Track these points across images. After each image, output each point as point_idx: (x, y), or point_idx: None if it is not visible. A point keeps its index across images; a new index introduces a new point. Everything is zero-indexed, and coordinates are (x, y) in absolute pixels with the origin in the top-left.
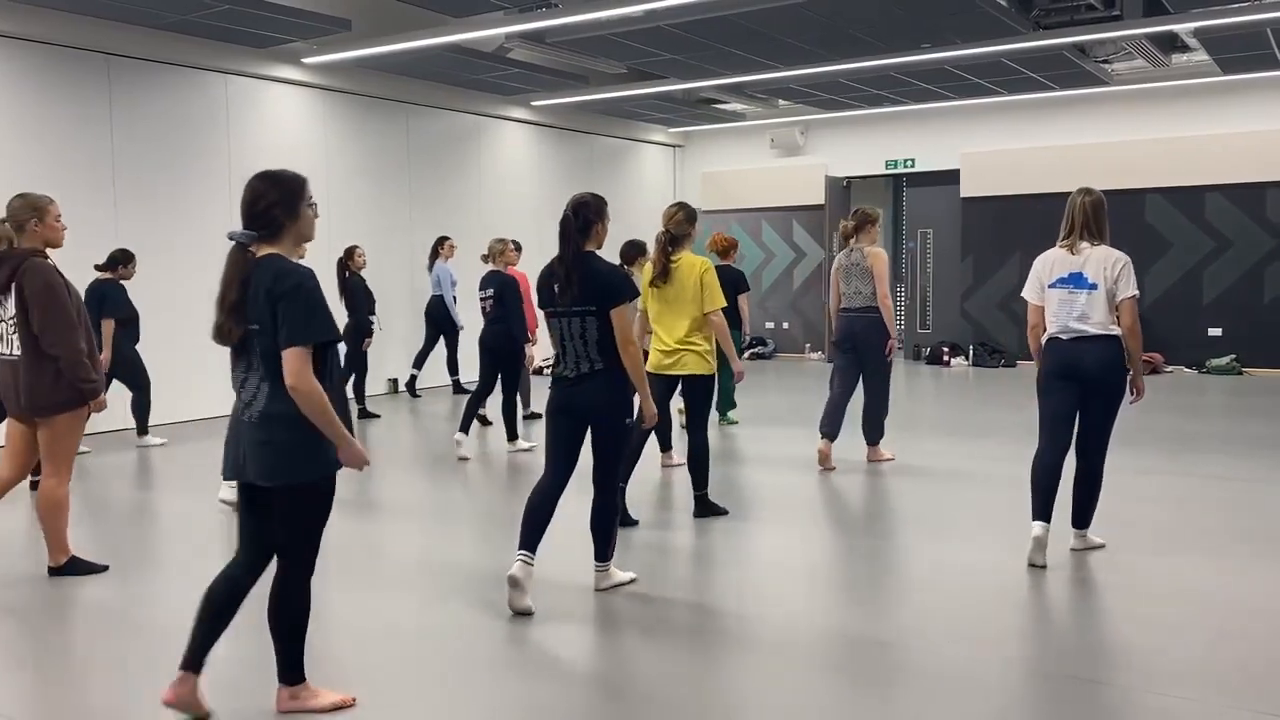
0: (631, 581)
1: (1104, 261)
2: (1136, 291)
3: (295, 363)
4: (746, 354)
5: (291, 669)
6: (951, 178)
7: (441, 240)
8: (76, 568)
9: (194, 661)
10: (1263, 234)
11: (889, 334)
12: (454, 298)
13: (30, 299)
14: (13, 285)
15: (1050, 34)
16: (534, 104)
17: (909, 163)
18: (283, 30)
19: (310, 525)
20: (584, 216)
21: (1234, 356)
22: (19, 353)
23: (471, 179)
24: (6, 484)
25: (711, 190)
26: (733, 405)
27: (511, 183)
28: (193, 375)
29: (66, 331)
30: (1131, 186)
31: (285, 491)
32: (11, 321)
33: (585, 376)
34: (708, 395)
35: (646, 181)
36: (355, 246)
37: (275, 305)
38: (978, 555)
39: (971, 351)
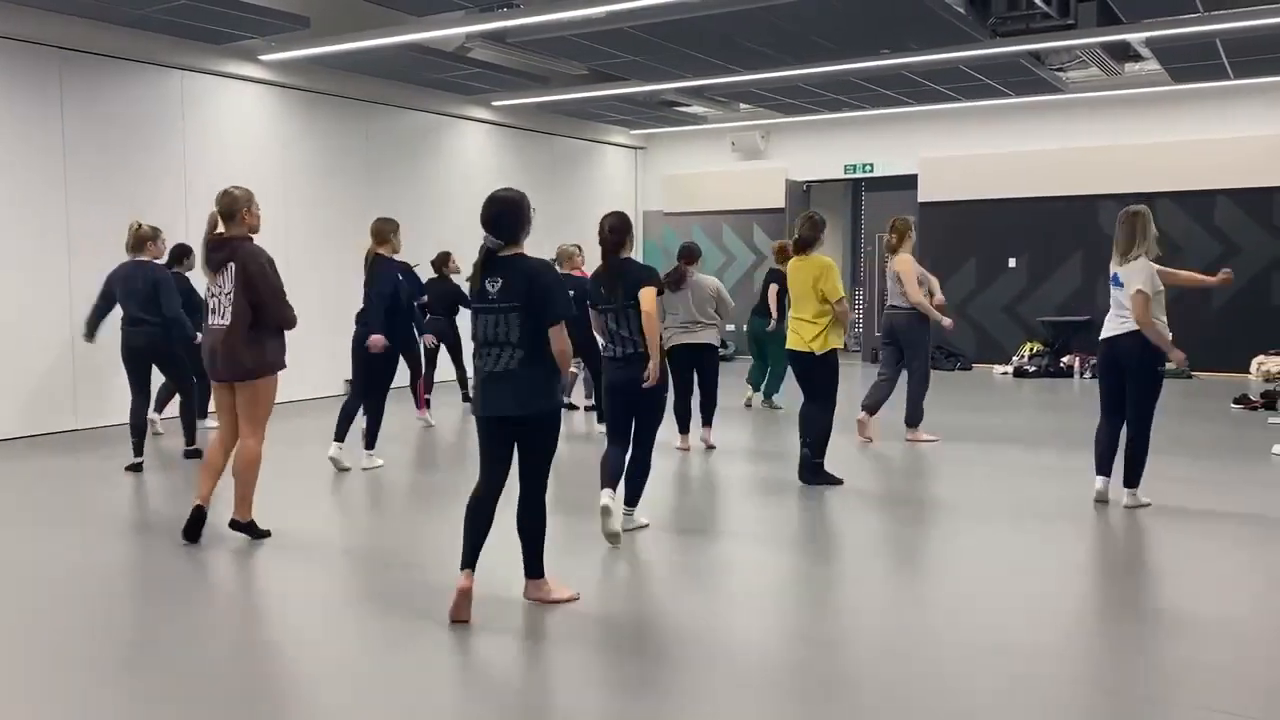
0: (644, 526)
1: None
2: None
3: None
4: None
5: (534, 566)
6: (909, 182)
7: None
8: (252, 530)
9: (469, 562)
10: (1211, 241)
11: (927, 329)
12: None
13: (254, 278)
14: (229, 265)
15: (1006, 42)
16: (495, 104)
17: (868, 167)
18: (240, 27)
19: (551, 449)
20: (620, 229)
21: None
22: (227, 321)
23: (431, 179)
24: (227, 443)
25: (673, 193)
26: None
27: (472, 183)
28: None
29: (284, 306)
30: (1085, 192)
31: (535, 419)
32: (227, 295)
33: (631, 358)
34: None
35: (608, 183)
36: (449, 253)
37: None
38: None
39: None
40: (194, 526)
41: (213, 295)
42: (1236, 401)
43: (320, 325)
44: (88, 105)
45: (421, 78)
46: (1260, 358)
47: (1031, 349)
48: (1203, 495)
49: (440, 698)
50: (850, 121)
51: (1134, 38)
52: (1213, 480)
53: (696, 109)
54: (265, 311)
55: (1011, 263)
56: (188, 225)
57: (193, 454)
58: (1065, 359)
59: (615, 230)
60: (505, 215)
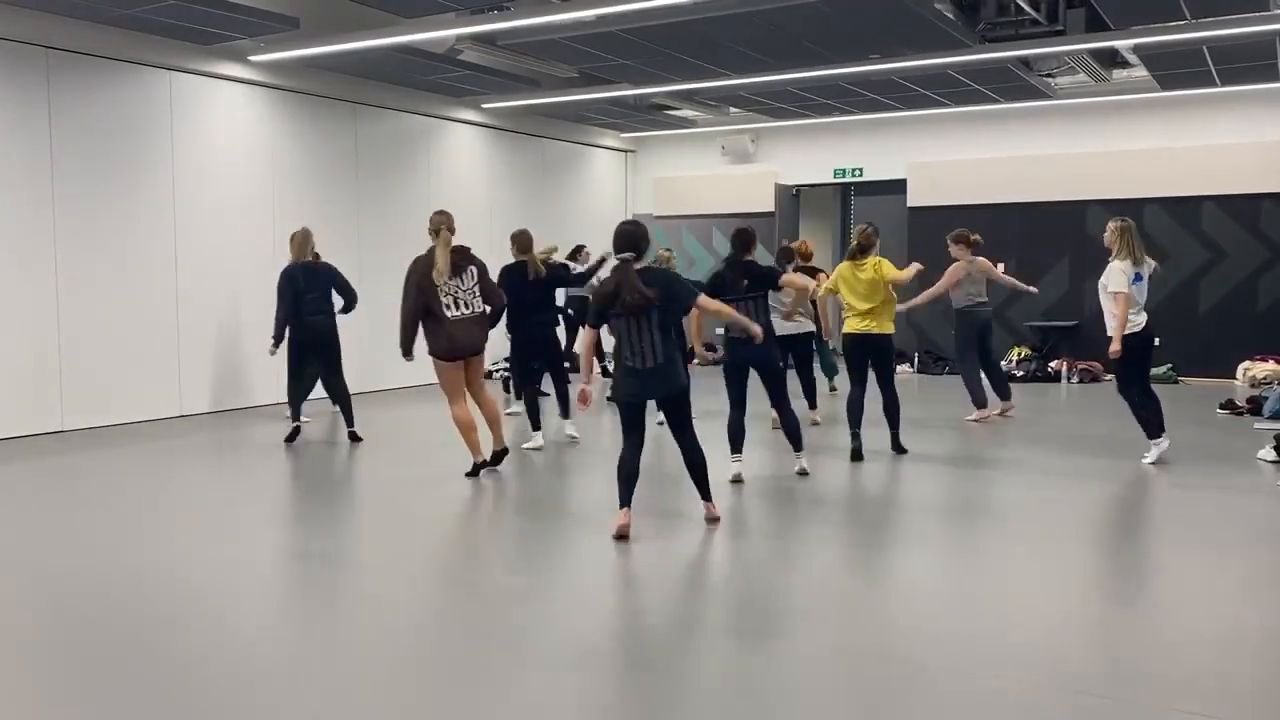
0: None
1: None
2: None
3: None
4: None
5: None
6: (898, 187)
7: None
8: (504, 454)
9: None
10: (1199, 247)
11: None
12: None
13: (485, 278)
14: (470, 267)
15: (995, 47)
16: (485, 106)
17: (857, 172)
18: (229, 27)
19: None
20: (746, 239)
21: (1170, 366)
22: (479, 310)
23: (421, 181)
24: (469, 411)
25: (663, 196)
26: (837, 372)
27: (461, 185)
28: (128, 372)
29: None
30: (1073, 198)
31: (679, 395)
32: (468, 290)
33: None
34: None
35: (598, 186)
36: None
37: (672, 288)
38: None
39: (916, 359)
40: (478, 469)
41: (447, 294)
42: (1222, 407)
43: None
44: (76, 105)
45: (411, 80)
46: (1246, 363)
47: (1020, 354)
48: (1187, 500)
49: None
50: (840, 126)
51: (1122, 44)
52: (1197, 485)
53: (686, 113)
54: (493, 301)
55: (999, 268)
56: (175, 225)
57: (355, 437)
58: (1053, 364)
59: (746, 236)
60: (642, 239)
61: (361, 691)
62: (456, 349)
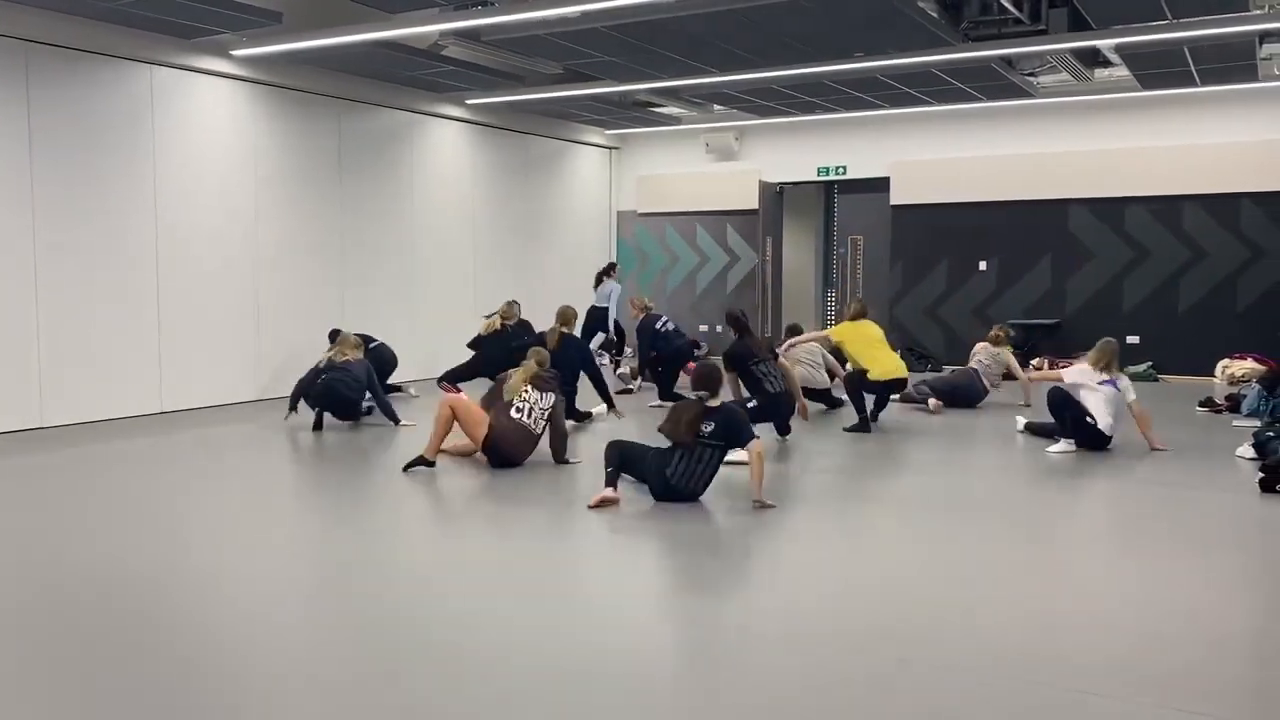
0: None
1: None
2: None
3: None
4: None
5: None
6: (882, 185)
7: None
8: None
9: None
10: (1179, 246)
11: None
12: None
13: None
14: (551, 394)
15: (978, 46)
16: (469, 102)
17: (840, 170)
18: (210, 21)
19: None
20: (745, 322)
21: (1151, 364)
22: (536, 431)
23: (404, 177)
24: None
25: (647, 193)
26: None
27: (445, 182)
28: (109, 369)
29: None
30: (1056, 197)
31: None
32: (543, 410)
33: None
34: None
35: (582, 183)
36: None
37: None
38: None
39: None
40: (421, 463)
41: (521, 397)
42: (1201, 404)
43: (292, 324)
44: (55, 99)
45: (395, 75)
46: (1225, 361)
47: None
48: (1166, 498)
49: None
50: (823, 124)
51: (1104, 44)
52: (1176, 483)
53: (671, 110)
54: None
55: (982, 265)
56: (156, 221)
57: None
58: (1034, 361)
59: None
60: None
61: (363, 692)
62: (493, 441)
